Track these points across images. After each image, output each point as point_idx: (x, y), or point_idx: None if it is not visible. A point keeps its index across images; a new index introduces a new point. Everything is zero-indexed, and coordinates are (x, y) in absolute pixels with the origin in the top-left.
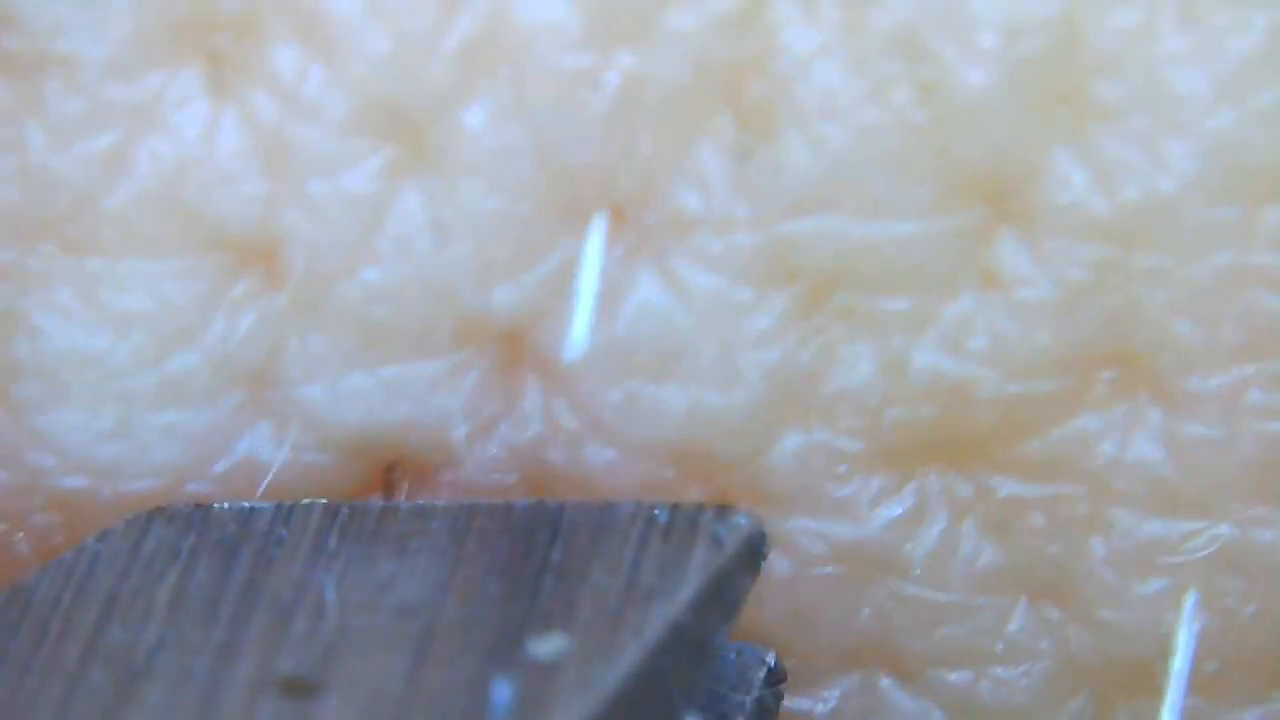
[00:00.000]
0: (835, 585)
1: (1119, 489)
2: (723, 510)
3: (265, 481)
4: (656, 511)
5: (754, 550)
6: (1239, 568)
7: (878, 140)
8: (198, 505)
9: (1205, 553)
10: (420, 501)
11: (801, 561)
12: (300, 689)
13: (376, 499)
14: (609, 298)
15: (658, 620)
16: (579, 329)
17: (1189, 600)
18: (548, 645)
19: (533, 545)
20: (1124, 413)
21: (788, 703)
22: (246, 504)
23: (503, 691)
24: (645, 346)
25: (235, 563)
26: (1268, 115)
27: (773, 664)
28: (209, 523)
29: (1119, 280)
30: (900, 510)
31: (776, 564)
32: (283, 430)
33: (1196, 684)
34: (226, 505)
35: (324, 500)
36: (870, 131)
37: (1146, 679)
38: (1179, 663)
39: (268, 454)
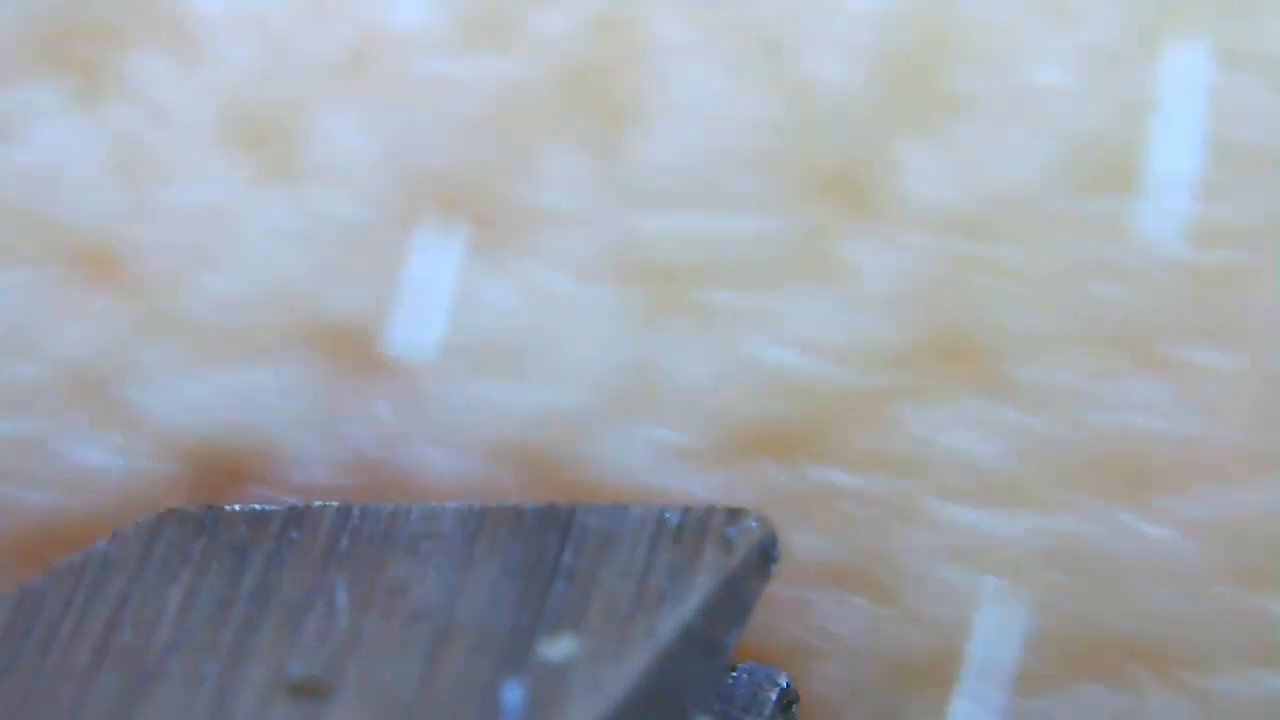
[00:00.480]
0: None
1: (944, 481)
2: (734, 513)
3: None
4: (668, 514)
5: (765, 553)
6: (1054, 557)
7: (730, 136)
8: (209, 507)
9: (1026, 543)
10: (431, 504)
11: None
12: (311, 691)
13: (387, 502)
14: (456, 298)
15: (668, 623)
16: (423, 330)
17: (994, 588)
18: (558, 648)
19: (544, 548)
20: (956, 404)
21: None
22: (258, 506)
23: (514, 694)
24: (489, 346)
25: (246, 565)
26: (1120, 106)
27: (785, 685)
28: (220, 525)
29: (962, 272)
30: (724, 500)
31: None
32: (124, 438)
33: (1004, 674)
34: (238, 507)
35: (336, 503)
36: (723, 127)
37: (958, 668)
38: (982, 651)
39: (107, 462)
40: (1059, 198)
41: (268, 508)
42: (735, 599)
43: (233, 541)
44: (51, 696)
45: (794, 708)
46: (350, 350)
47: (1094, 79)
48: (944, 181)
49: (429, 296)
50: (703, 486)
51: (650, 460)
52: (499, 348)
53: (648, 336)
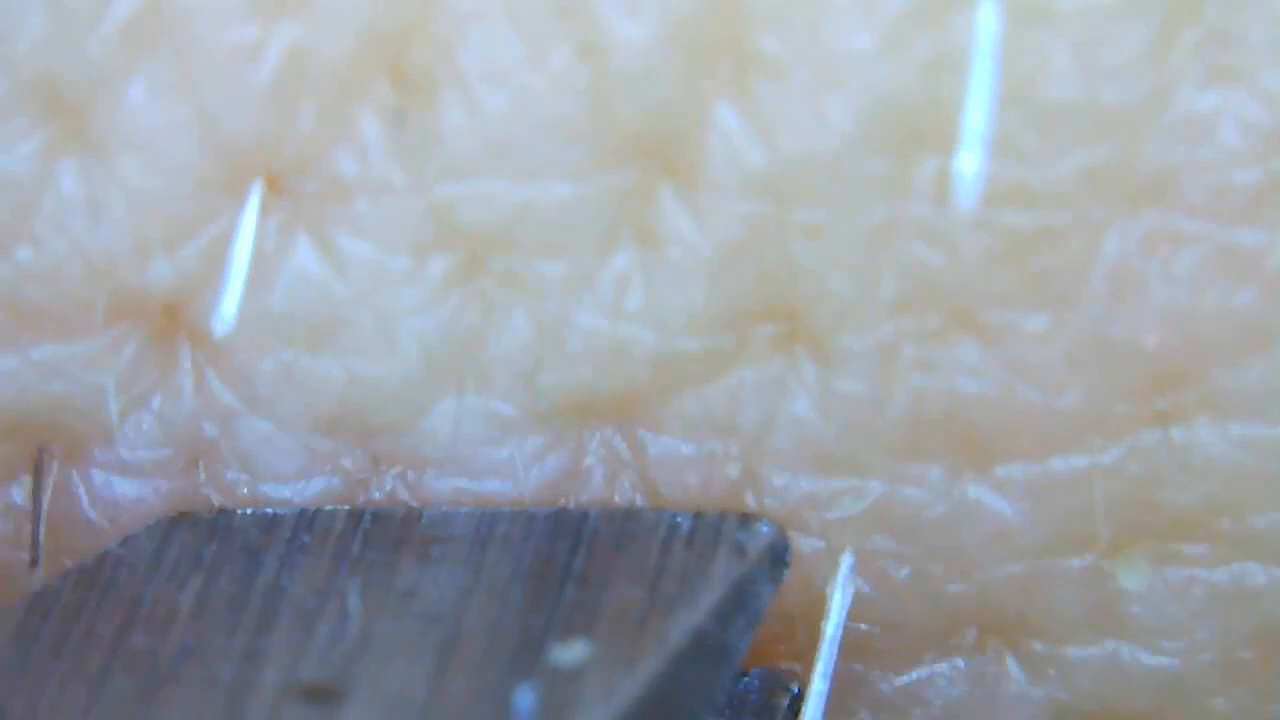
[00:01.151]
0: None
1: (773, 447)
2: (745, 518)
3: None
4: (679, 519)
5: (777, 558)
6: (890, 527)
7: (536, 102)
8: (220, 510)
9: (856, 511)
10: (443, 508)
11: None
12: (323, 695)
13: (399, 506)
14: (265, 268)
15: (680, 628)
16: (232, 301)
17: (845, 561)
18: (570, 653)
19: (555, 552)
20: (779, 370)
21: None
22: (269, 510)
23: (525, 699)
24: (301, 316)
25: (258, 569)
26: (926, 68)
27: (797, 691)
28: (232, 528)
29: (777, 236)
30: (557, 469)
31: None
32: None
33: (850, 646)
34: (250, 511)
35: (347, 506)
36: (529, 94)
37: (796, 640)
38: (832, 624)
39: None
40: (867, 160)
41: (280, 511)
42: (746, 604)
43: (244, 544)
44: (63, 700)
45: None
46: (160, 323)
47: (897, 39)
48: (752, 144)
49: (238, 268)
50: (527, 456)
51: (473, 430)
52: (314, 319)
53: (463, 306)
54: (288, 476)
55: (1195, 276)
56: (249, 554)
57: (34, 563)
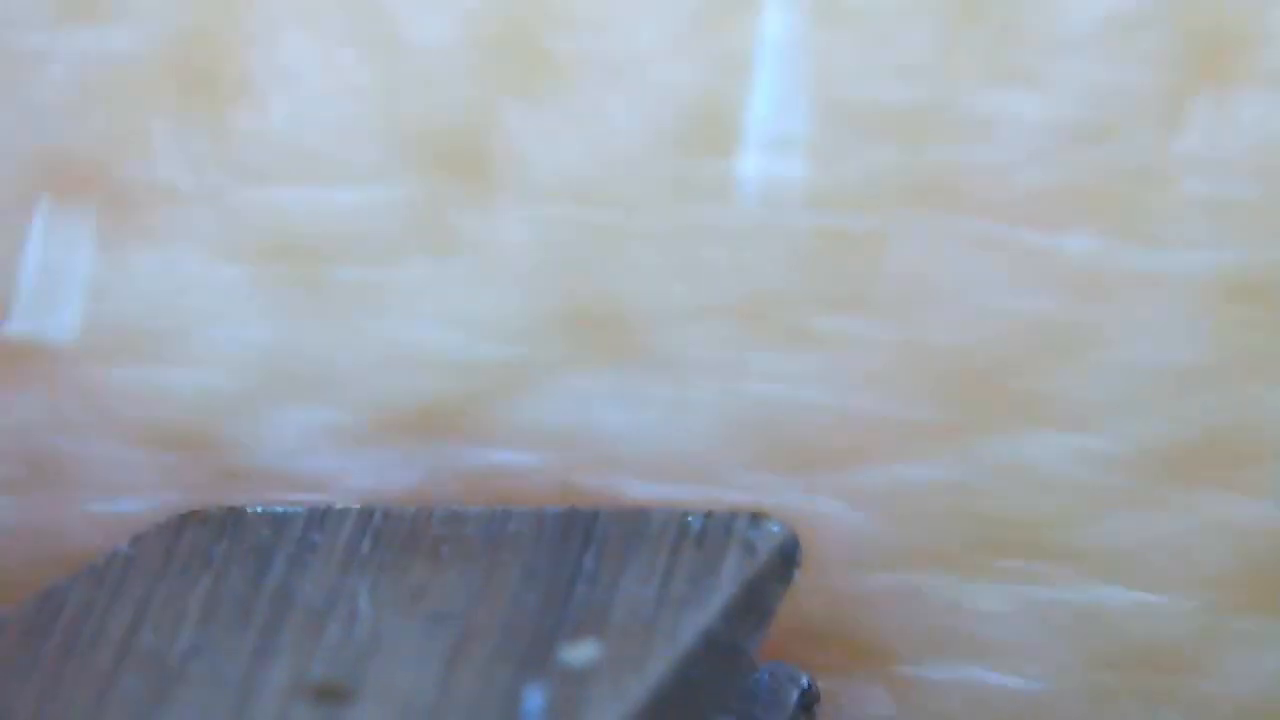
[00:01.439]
0: None
1: (603, 454)
2: (756, 517)
3: None
4: (690, 518)
5: (787, 558)
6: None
7: (331, 106)
8: (230, 509)
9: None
10: (454, 507)
11: None
12: (333, 695)
13: (411, 505)
14: (85, 279)
15: (690, 628)
16: (51, 314)
17: None
18: (580, 652)
19: (566, 551)
20: (603, 376)
21: None
22: (280, 508)
23: (535, 698)
24: (126, 328)
25: (268, 568)
26: (715, 68)
27: (806, 684)
28: (242, 527)
29: (577, 240)
30: (392, 480)
31: None
32: None
33: None
34: (260, 509)
35: (358, 505)
36: (331, 96)
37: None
38: None
39: None
40: (671, 163)
41: (290, 509)
42: (757, 603)
43: (254, 544)
44: (73, 699)
45: (815, 707)
46: None
47: (687, 40)
48: (556, 148)
49: (56, 279)
50: (360, 468)
51: (304, 442)
52: (137, 330)
53: (284, 315)
54: (127, 490)
55: (989, 280)
56: (259, 553)
57: None
